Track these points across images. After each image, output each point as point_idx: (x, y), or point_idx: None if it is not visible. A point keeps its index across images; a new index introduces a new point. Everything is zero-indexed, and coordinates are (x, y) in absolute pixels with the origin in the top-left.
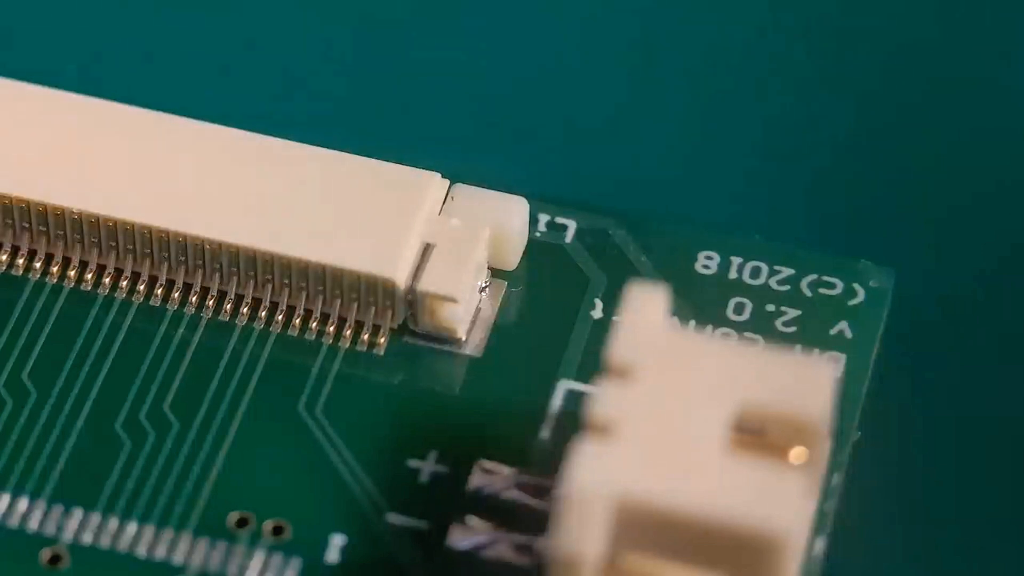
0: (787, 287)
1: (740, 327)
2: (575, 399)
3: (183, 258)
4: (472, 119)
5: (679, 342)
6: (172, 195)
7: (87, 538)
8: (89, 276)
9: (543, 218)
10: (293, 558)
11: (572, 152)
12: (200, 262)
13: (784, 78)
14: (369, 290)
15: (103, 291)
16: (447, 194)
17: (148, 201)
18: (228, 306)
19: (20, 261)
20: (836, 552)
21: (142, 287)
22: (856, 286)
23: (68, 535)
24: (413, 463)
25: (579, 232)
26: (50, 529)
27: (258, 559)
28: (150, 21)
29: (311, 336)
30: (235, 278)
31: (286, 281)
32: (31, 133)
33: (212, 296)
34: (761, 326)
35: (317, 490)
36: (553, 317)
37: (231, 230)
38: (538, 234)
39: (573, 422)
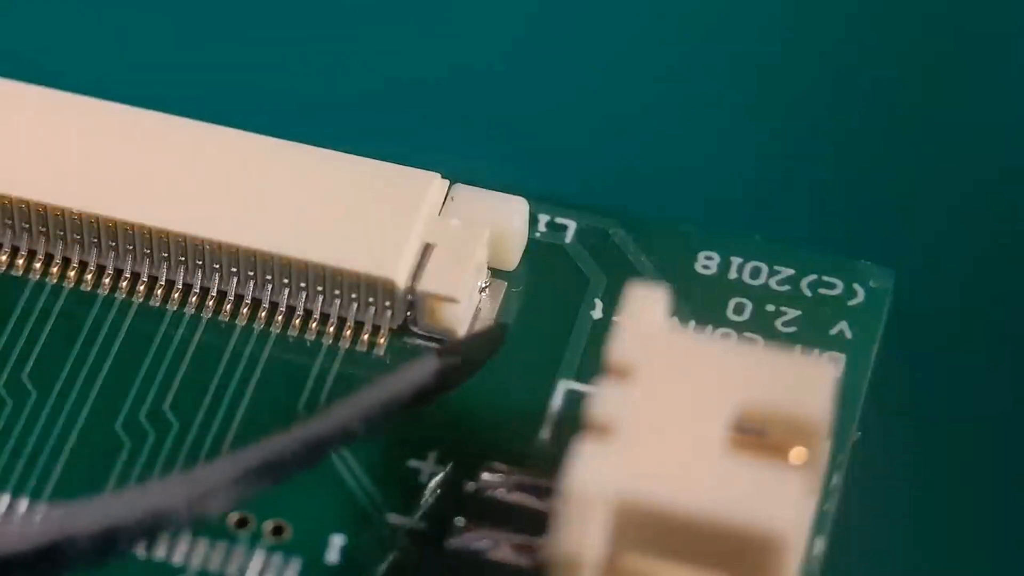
0: (787, 287)
1: (740, 327)
2: (575, 399)
3: (183, 258)
4: (472, 119)
5: (679, 342)
6: (172, 195)
7: None
8: (89, 276)
9: (543, 218)
10: (293, 558)
11: (572, 152)
12: (200, 262)
13: (784, 79)
14: (369, 290)
15: (103, 291)
16: (447, 194)
17: (148, 201)
18: (228, 306)
19: (20, 261)
20: (836, 552)
21: (142, 287)
22: (856, 286)
23: None
24: (413, 463)
25: (579, 232)
26: None
27: (258, 559)
28: (150, 21)
29: (311, 336)
30: (235, 278)
31: (286, 281)
32: (31, 133)
33: (212, 296)
34: (761, 326)
35: (317, 490)
36: (553, 317)
37: (231, 230)
38: (538, 234)
39: (573, 422)
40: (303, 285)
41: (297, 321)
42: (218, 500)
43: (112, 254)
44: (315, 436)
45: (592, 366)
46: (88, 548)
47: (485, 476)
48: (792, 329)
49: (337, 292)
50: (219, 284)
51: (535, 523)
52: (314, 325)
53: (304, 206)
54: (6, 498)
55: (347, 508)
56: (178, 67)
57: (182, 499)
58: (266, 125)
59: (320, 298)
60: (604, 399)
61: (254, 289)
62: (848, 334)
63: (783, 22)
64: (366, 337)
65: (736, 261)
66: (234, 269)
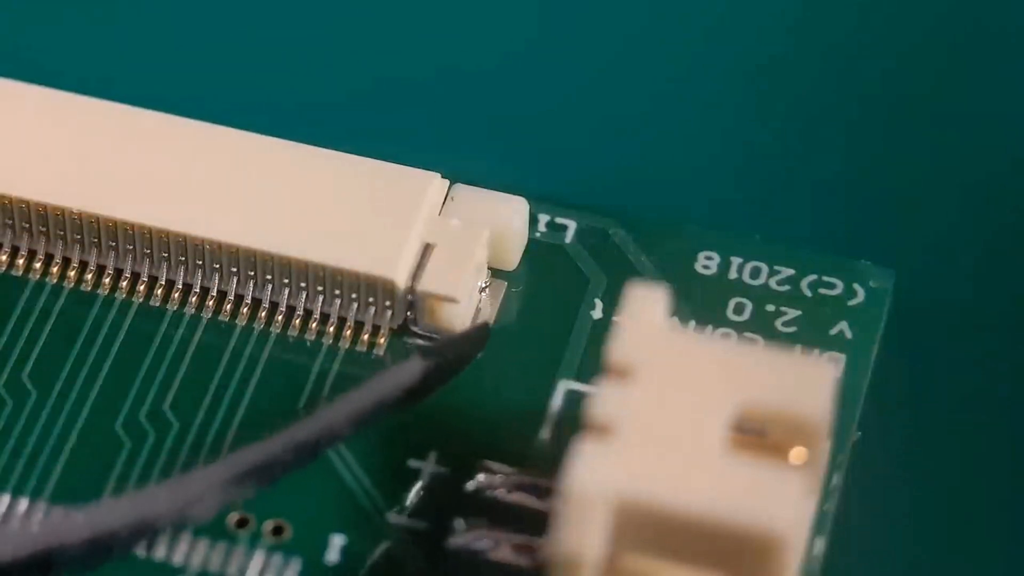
0: (787, 287)
1: (740, 327)
2: (575, 399)
3: (183, 258)
4: (472, 119)
5: (679, 342)
6: (172, 195)
7: None
8: (89, 276)
9: (543, 218)
10: (293, 558)
11: (572, 152)
12: (200, 262)
13: (785, 79)
14: (369, 290)
15: (103, 291)
16: (447, 194)
17: (148, 201)
18: (228, 306)
19: (20, 261)
20: (836, 552)
21: (142, 287)
22: (856, 286)
23: None
24: (413, 463)
25: (579, 232)
26: None
27: (258, 559)
28: (150, 21)
29: (311, 336)
30: (235, 278)
31: (286, 281)
32: (31, 133)
33: (212, 296)
34: (761, 326)
35: (317, 490)
36: (553, 317)
37: (231, 230)
38: (538, 234)
39: (573, 422)
40: (303, 285)
41: (297, 321)
42: (206, 505)
43: (112, 254)
44: (302, 439)
45: (592, 366)
46: (76, 555)
47: (485, 476)
48: (792, 329)
49: (337, 292)
50: (219, 284)
51: (535, 523)
52: (314, 325)
53: (304, 206)
54: (6, 498)
55: (347, 508)
56: (178, 67)
57: (169, 506)
58: (266, 125)
59: (320, 298)
60: (604, 399)
61: (254, 289)
62: (848, 334)
63: (783, 23)
64: (366, 337)
65: (736, 261)
66: (234, 269)
